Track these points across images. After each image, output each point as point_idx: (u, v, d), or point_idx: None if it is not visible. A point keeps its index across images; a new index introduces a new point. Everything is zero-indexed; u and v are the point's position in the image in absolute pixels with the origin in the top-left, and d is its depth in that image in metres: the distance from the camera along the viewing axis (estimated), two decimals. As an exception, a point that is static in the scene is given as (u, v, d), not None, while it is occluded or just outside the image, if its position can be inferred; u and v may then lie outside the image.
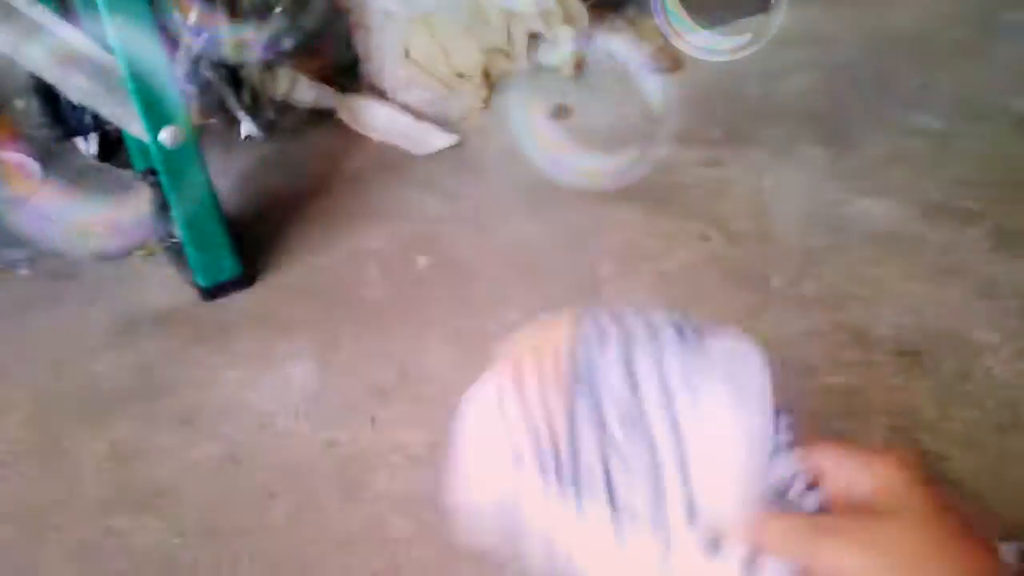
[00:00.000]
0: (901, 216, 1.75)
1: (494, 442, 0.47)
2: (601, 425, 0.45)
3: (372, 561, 1.11)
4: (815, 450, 0.46)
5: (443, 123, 2.20)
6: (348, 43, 2.45)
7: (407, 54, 2.25)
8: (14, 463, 1.31)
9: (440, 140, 2.14)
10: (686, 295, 1.55)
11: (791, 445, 0.46)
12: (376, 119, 2.23)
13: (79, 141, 2.03)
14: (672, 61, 2.52)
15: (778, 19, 1.54)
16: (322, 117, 2.33)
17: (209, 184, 1.55)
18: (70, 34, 1.43)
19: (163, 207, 1.67)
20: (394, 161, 2.12)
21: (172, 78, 1.46)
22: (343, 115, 2.29)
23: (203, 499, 1.23)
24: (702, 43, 1.63)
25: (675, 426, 0.44)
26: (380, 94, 2.33)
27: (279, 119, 2.24)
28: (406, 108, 2.24)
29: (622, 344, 0.48)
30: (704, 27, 2.01)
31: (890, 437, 1.20)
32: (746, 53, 2.09)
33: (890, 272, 1.59)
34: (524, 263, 1.70)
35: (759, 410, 0.45)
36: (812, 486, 0.45)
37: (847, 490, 0.44)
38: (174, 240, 1.68)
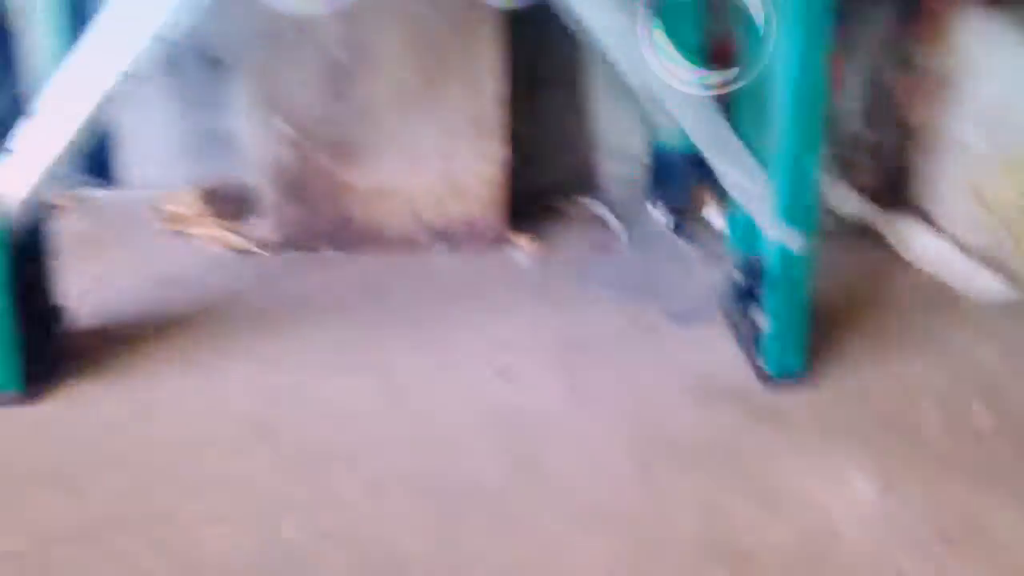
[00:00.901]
0: None
1: None
2: None
3: None
4: None
5: (1003, 272, 2.14)
6: (898, 157, 2.50)
7: (979, 194, 2.22)
8: (613, 499, 1.52)
9: (998, 289, 2.08)
10: None
11: None
12: (926, 249, 2.24)
13: (657, 211, 2.36)
14: None
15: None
16: (863, 227, 2.40)
17: (808, 289, 1.70)
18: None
19: (743, 292, 1.87)
20: (942, 296, 2.11)
21: (817, 193, 1.65)
22: (887, 234, 2.34)
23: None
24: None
25: None
26: (929, 221, 2.34)
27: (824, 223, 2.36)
28: (962, 246, 2.22)
29: None
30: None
31: None
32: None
33: None
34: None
35: None
36: None
37: None
38: (745, 322, 1.87)
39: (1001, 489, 1.51)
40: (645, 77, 1.59)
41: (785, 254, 1.69)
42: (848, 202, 2.44)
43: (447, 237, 2.26)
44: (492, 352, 1.88)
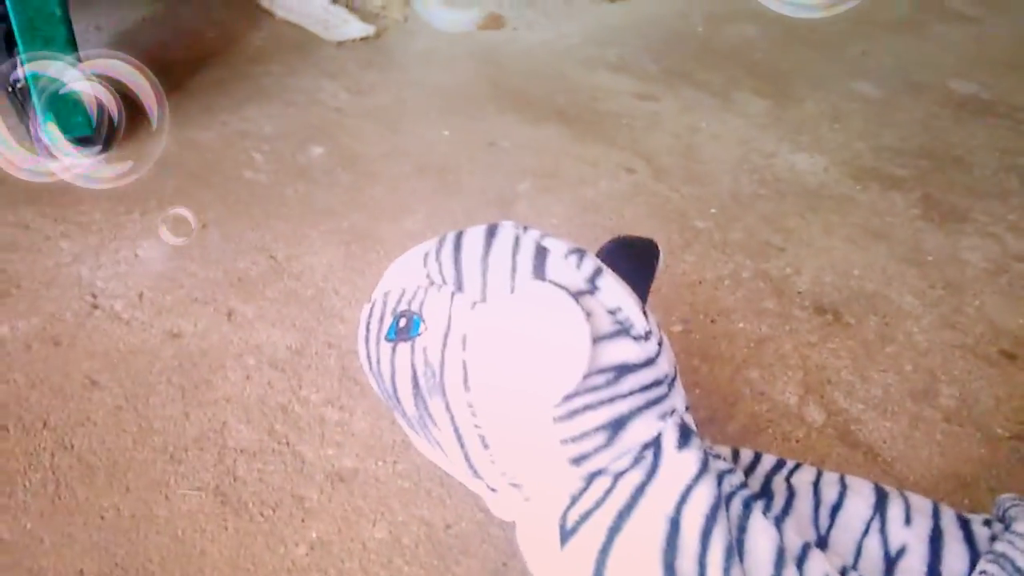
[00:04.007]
0: (832, 176, 1.67)
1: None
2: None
3: (205, 472, 0.93)
4: None
5: (359, 12, 1.98)
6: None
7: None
8: None
9: (353, 29, 1.91)
10: (606, 224, 1.42)
11: None
12: (285, -4, 1.99)
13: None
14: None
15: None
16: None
17: (67, 20, 1.29)
18: None
19: (8, 44, 1.40)
20: (300, 43, 1.88)
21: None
22: (248, -14, 2.03)
23: (12, 379, 1.01)
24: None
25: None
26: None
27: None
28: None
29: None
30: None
31: (803, 394, 1.10)
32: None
33: (816, 229, 1.50)
34: (433, 170, 1.52)
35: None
36: None
37: None
38: (19, 85, 1.42)
39: (322, 225, 1.35)
40: None
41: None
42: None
43: None
44: None
